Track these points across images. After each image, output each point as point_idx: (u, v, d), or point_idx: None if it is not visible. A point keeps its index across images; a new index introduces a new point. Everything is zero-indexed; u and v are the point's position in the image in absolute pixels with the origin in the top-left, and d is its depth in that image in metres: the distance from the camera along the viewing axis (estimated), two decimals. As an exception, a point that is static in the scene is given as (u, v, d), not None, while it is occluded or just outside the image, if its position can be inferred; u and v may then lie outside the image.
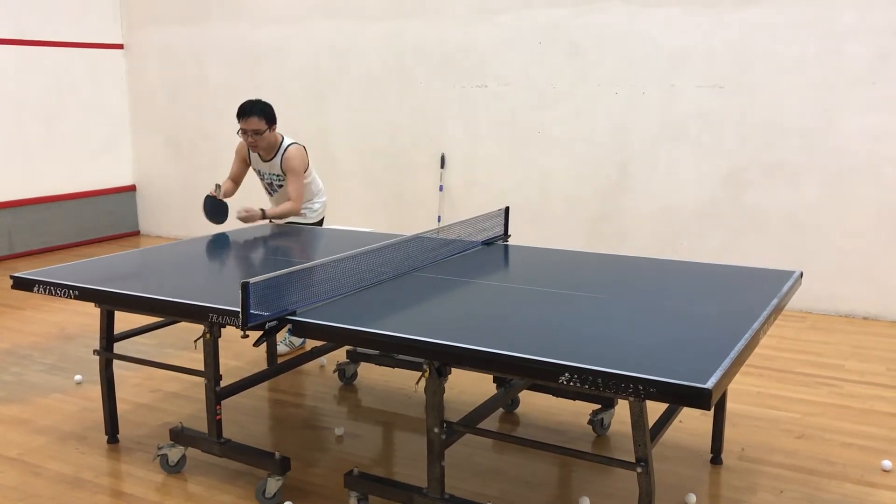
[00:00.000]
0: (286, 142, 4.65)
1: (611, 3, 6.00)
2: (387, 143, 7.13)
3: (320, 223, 4.97)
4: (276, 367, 3.70)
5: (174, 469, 3.29)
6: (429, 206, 7.00)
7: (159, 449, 3.28)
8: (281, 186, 4.73)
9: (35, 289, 3.24)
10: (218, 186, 4.64)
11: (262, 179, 4.83)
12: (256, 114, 4.47)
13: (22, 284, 3.29)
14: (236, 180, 4.83)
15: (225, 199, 4.63)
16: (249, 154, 4.74)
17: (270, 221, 4.70)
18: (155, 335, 5.06)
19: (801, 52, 5.43)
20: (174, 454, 3.28)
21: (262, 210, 4.54)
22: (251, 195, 5.88)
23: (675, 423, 3.75)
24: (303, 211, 4.84)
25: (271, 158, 4.66)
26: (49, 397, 4.15)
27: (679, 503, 3.05)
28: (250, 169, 4.85)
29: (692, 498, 3.05)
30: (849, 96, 5.34)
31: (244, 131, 4.51)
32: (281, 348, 4.77)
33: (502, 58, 6.49)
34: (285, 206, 4.64)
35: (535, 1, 6.27)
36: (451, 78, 6.74)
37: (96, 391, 4.16)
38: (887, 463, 3.32)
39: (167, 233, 8.63)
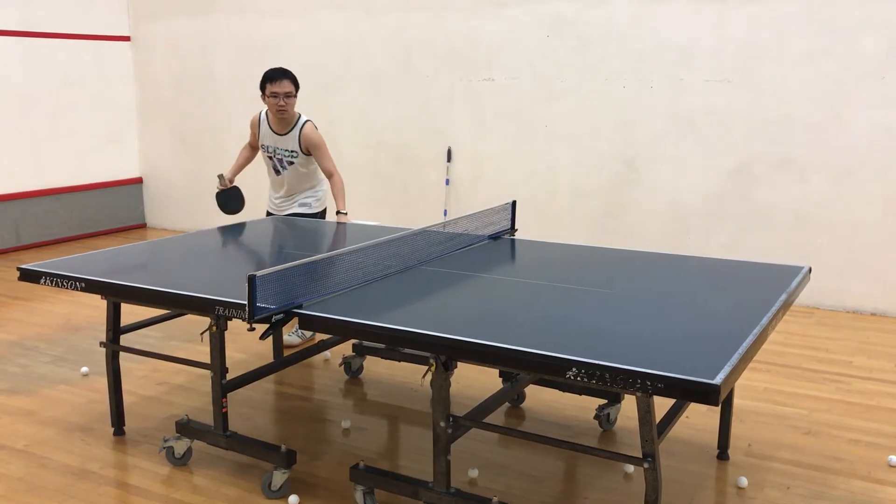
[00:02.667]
0: (302, 118, 4.71)
1: (619, -4, 5.98)
2: (393, 136, 7.12)
3: (324, 213, 4.98)
4: (282, 360, 3.70)
5: (180, 461, 3.30)
6: (435, 200, 6.99)
7: (165, 441, 3.28)
8: (291, 164, 4.74)
9: (42, 281, 3.24)
10: (220, 177, 4.75)
11: (270, 157, 4.80)
12: (289, 77, 4.57)
13: (29, 276, 3.29)
14: (255, 147, 4.92)
15: (232, 184, 4.76)
16: (260, 128, 4.77)
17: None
18: (161, 327, 5.06)
19: (809, 46, 5.40)
20: (180, 447, 3.28)
21: (342, 213, 4.65)
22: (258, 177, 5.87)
23: (682, 418, 3.74)
24: (307, 200, 4.87)
25: (286, 133, 4.68)
26: (55, 389, 4.16)
27: (685, 500, 3.04)
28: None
29: (744, 481, 3.10)
30: (858, 91, 5.30)
31: (275, 94, 4.54)
32: (293, 339, 4.79)
33: (509, 51, 6.47)
34: (337, 185, 4.71)
35: (543, -6, 6.25)
36: (457, 71, 6.72)
37: (102, 383, 4.17)
38: (894, 458, 3.30)
39: (173, 225, 8.63)
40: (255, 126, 4.80)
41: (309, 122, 4.70)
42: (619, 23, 6.00)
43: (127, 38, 8.40)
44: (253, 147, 4.94)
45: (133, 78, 8.50)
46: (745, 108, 5.65)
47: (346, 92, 7.28)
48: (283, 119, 4.65)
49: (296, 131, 4.67)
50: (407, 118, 7.02)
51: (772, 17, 5.48)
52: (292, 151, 4.70)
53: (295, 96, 4.61)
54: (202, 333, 3.25)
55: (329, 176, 4.74)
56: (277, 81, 4.53)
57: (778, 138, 5.59)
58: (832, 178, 5.46)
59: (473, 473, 3.22)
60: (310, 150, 4.68)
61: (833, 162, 5.44)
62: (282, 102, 4.55)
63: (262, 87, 4.59)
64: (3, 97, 7.38)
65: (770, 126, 5.60)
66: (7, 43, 7.36)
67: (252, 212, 6.47)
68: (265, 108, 4.74)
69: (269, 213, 5.00)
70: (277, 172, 4.83)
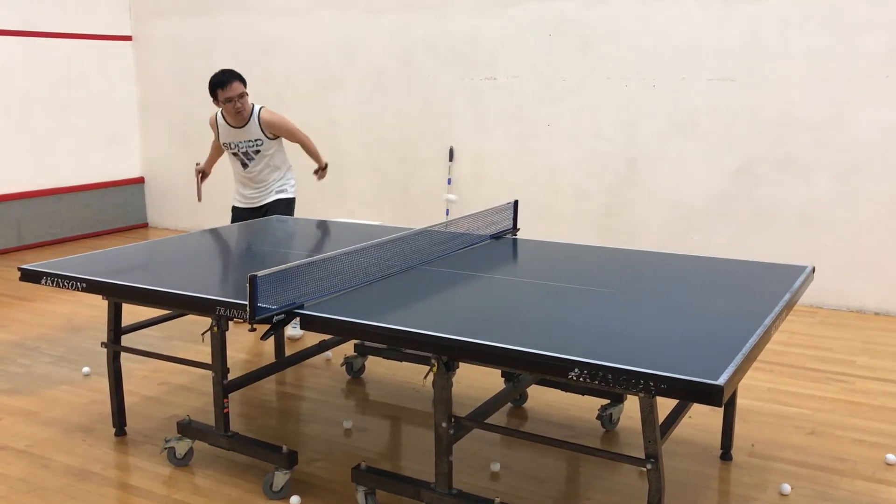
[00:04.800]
0: (256, 106, 4.80)
1: (621, -5, 5.96)
2: (395, 136, 7.11)
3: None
4: (283, 361, 3.69)
5: (181, 462, 3.29)
6: (437, 200, 6.98)
7: (167, 442, 3.28)
8: (258, 152, 4.83)
9: (43, 281, 3.24)
10: (197, 164, 5.14)
11: (235, 153, 4.88)
12: (237, 79, 4.65)
13: (30, 276, 3.28)
14: (220, 152, 5.14)
15: (207, 176, 5.22)
16: (218, 128, 4.86)
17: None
18: (162, 328, 5.06)
19: (813, 45, 5.38)
20: (181, 447, 3.28)
21: (325, 164, 5.05)
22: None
23: (685, 418, 3.72)
24: (284, 186, 4.99)
25: (244, 125, 4.76)
26: (57, 389, 4.15)
27: (688, 500, 3.03)
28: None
29: (786, 488, 3.07)
30: (861, 90, 5.29)
31: (229, 99, 4.62)
32: (297, 332, 4.87)
33: (511, 50, 6.45)
34: (313, 146, 5.02)
35: (545, -7, 6.23)
36: (459, 71, 6.70)
37: (104, 383, 4.16)
38: (891, 457, 3.29)
39: (175, 225, 8.63)
40: (214, 126, 4.92)
41: (264, 108, 4.81)
42: (621, 22, 5.99)
43: (129, 38, 8.40)
44: (218, 147, 5.09)
45: (135, 77, 8.50)
46: (749, 107, 5.64)
47: (348, 91, 7.28)
48: (240, 115, 4.76)
49: (254, 120, 4.76)
50: (408, 117, 7.01)
51: (775, 16, 5.46)
52: (256, 140, 4.79)
53: (247, 93, 4.71)
54: (203, 334, 3.24)
55: (305, 142, 4.96)
56: (228, 86, 4.60)
57: (781, 138, 5.57)
58: (836, 177, 5.44)
59: (495, 467, 3.23)
60: (276, 132, 4.80)
61: (836, 161, 5.43)
62: (238, 104, 4.63)
63: (214, 94, 4.64)
64: (5, 97, 7.37)
65: (773, 125, 5.58)
66: (9, 42, 7.36)
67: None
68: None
69: (235, 209, 5.09)
70: (245, 166, 4.89)
